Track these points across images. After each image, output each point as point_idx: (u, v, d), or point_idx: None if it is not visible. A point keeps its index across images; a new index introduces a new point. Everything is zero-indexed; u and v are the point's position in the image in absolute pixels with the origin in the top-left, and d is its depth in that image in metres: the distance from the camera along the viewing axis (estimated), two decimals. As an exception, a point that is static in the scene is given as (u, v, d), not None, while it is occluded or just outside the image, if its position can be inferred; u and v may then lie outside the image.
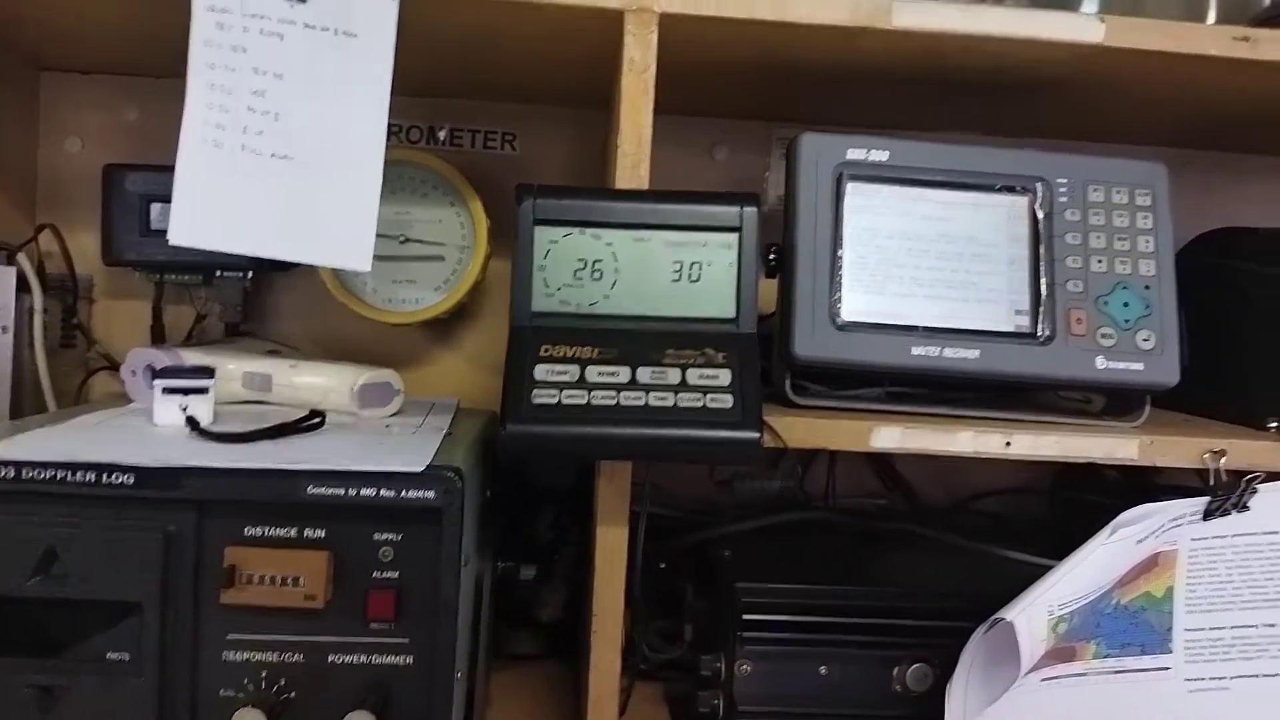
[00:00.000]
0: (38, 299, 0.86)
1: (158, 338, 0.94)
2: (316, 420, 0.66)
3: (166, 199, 0.87)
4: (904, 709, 0.71)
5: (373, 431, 0.68)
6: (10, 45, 0.86)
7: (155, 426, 0.64)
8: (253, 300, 0.94)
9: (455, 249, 0.89)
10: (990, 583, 0.71)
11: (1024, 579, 0.67)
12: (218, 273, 0.90)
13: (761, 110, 0.95)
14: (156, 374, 0.66)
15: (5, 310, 0.83)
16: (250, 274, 0.90)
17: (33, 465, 0.55)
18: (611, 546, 0.65)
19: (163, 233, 0.88)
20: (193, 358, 0.75)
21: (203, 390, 0.66)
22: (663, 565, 0.83)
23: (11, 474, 0.55)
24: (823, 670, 0.71)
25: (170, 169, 0.88)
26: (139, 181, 0.88)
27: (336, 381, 0.74)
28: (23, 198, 0.92)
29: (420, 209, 0.88)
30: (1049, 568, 0.68)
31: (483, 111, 0.97)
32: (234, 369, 0.76)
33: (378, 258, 0.65)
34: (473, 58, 0.80)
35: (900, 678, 0.71)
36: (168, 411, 0.65)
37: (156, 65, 0.90)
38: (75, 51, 0.88)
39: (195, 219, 0.62)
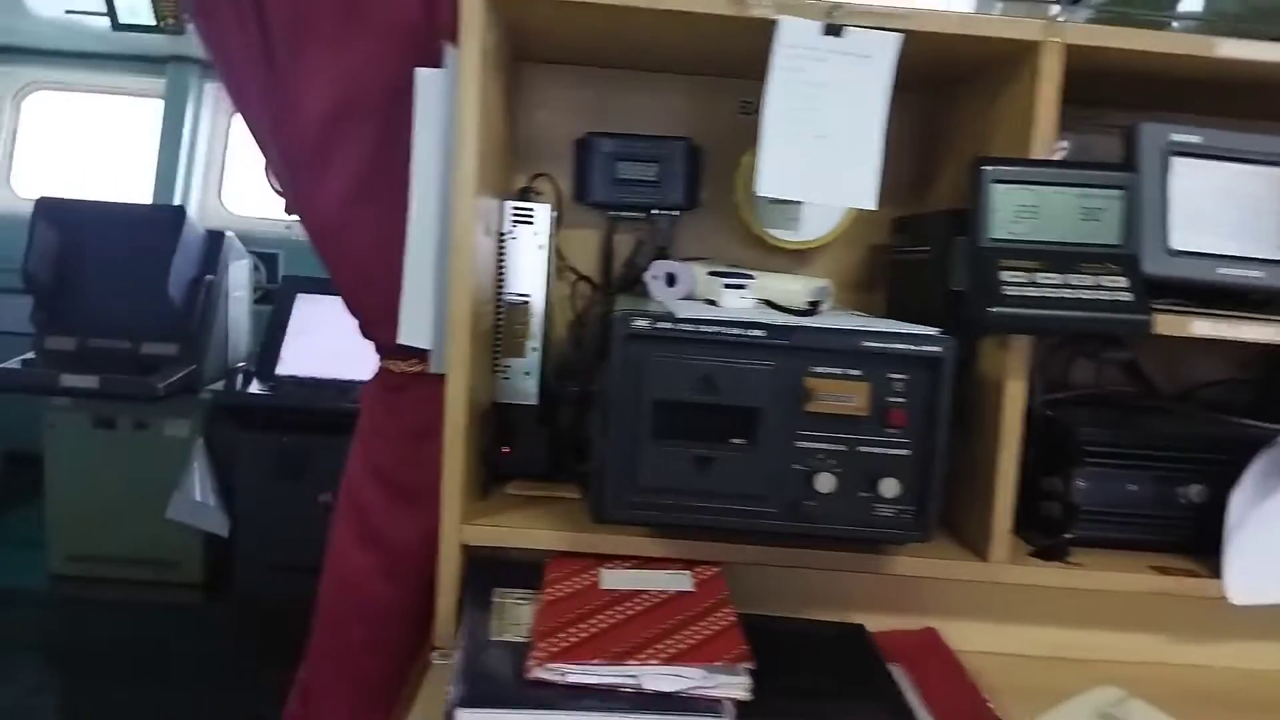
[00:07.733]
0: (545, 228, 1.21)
1: (606, 257, 1.29)
2: (821, 307, 1.02)
3: (630, 158, 1.24)
4: (1188, 514, 1.06)
5: (843, 313, 1.03)
6: (503, 42, 1.19)
7: (727, 307, 1.00)
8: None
9: (836, 198, 1.23)
10: (1227, 438, 1.07)
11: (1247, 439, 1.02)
12: (654, 211, 1.26)
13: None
14: (723, 277, 1.01)
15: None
16: (679, 213, 1.26)
17: (698, 322, 0.91)
18: (1013, 398, 1.00)
19: (624, 181, 1.25)
20: (696, 269, 1.10)
21: (743, 285, 1.02)
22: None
23: (689, 328, 0.91)
24: (1131, 487, 1.06)
25: (630, 136, 1.24)
26: (609, 145, 1.23)
27: (799, 287, 1.09)
28: (508, 155, 1.28)
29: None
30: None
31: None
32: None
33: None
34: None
35: (1185, 494, 1.06)
36: (731, 299, 1.01)
37: (608, 60, 1.24)
38: (543, 47, 1.21)
39: (776, 178, 0.97)
